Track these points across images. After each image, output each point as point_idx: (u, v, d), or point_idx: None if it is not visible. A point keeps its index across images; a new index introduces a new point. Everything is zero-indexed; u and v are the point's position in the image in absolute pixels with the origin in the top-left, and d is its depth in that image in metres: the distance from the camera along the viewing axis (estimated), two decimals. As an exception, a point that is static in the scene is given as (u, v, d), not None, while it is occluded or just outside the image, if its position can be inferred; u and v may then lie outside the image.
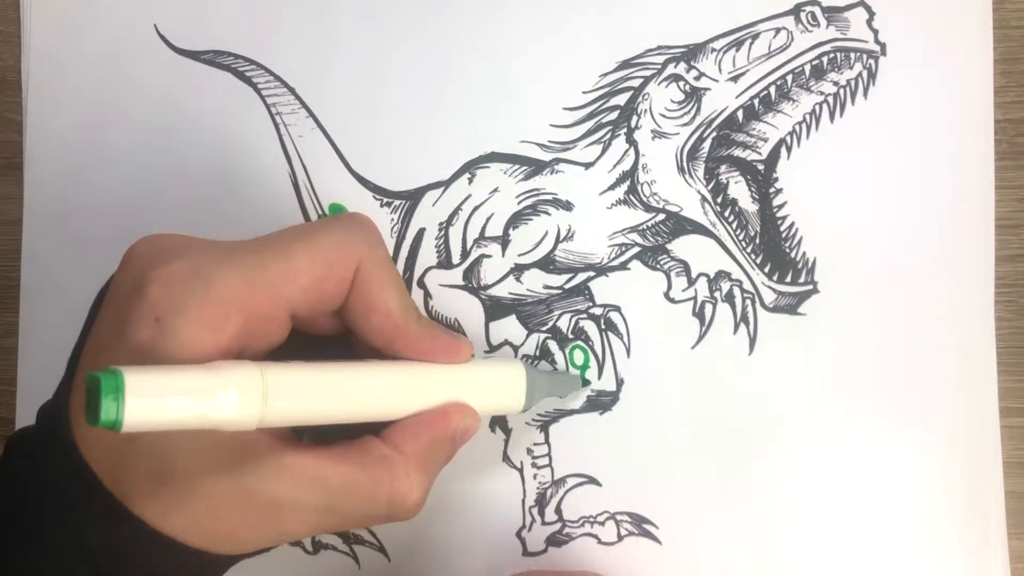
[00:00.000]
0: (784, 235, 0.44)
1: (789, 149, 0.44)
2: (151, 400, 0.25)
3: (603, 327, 0.44)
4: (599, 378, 0.44)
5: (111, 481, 0.30)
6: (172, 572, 0.31)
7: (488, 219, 0.45)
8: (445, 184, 0.45)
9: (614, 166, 0.45)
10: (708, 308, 0.44)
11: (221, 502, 0.30)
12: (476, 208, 0.45)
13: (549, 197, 0.45)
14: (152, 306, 0.29)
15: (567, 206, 0.45)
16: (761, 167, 0.44)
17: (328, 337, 0.34)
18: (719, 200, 0.44)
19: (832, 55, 0.44)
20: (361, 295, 0.32)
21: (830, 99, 0.44)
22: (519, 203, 0.45)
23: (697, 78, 0.45)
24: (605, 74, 0.45)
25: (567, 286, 0.44)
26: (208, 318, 0.29)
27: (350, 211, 0.34)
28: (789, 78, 0.44)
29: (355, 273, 0.32)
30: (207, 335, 0.29)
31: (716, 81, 0.44)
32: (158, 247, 0.31)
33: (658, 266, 0.44)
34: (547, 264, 0.44)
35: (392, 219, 0.45)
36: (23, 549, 0.30)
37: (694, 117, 0.44)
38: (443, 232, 0.45)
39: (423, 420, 0.33)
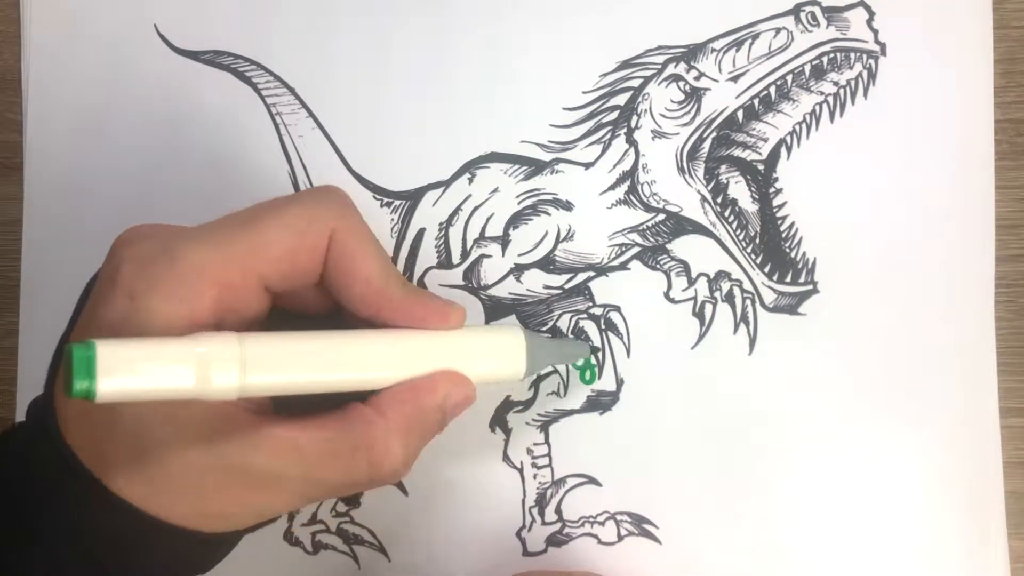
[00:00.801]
0: (784, 235, 0.44)
1: (789, 149, 0.44)
2: (125, 369, 0.25)
3: (603, 327, 0.44)
4: (599, 378, 0.44)
5: (96, 464, 0.30)
6: (168, 555, 0.31)
7: (488, 219, 0.45)
8: (445, 184, 0.45)
9: (614, 166, 0.45)
10: (708, 308, 0.44)
11: (201, 477, 0.30)
12: (476, 208, 0.45)
13: (549, 197, 0.45)
14: (125, 285, 0.29)
15: (567, 206, 0.45)
16: (761, 167, 0.44)
17: (320, 315, 0.34)
18: (719, 200, 0.44)
19: (832, 55, 0.44)
20: (339, 264, 0.32)
21: (830, 99, 0.44)
22: (519, 203, 0.45)
23: (697, 78, 0.45)
24: (605, 74, 0.45)
25: (567, 286, 0.44)
26: (180, 293, 0.29)
27: (325, 185, 0.33)
28: (789, 78, 0.44)
29: (329, 242, 0.32)
30: (180, 309, 0.29)
31: (716, 81, 0.44)
32: (137, 233, 0.31)
33: (658, 266, 0.44)
34: (547, 264, 0.44)
35: (392, 219, 0.45)
36: (18, 544, 0.30)
37: (694, 117, 0.44)
38: (443, 232, 0.45)
39: (410, 386, 0.32)
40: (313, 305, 0.34)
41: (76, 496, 0.30)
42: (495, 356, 0.36)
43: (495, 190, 0.45)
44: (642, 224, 0.44)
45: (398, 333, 0.33)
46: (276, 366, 0.29)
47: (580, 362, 0.44)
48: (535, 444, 0.44)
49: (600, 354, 0.44)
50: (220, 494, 0.30)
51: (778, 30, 0.44)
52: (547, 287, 0.44)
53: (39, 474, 0.30)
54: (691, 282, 0.44)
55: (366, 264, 0.32)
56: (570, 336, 0.44)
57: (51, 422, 0.30)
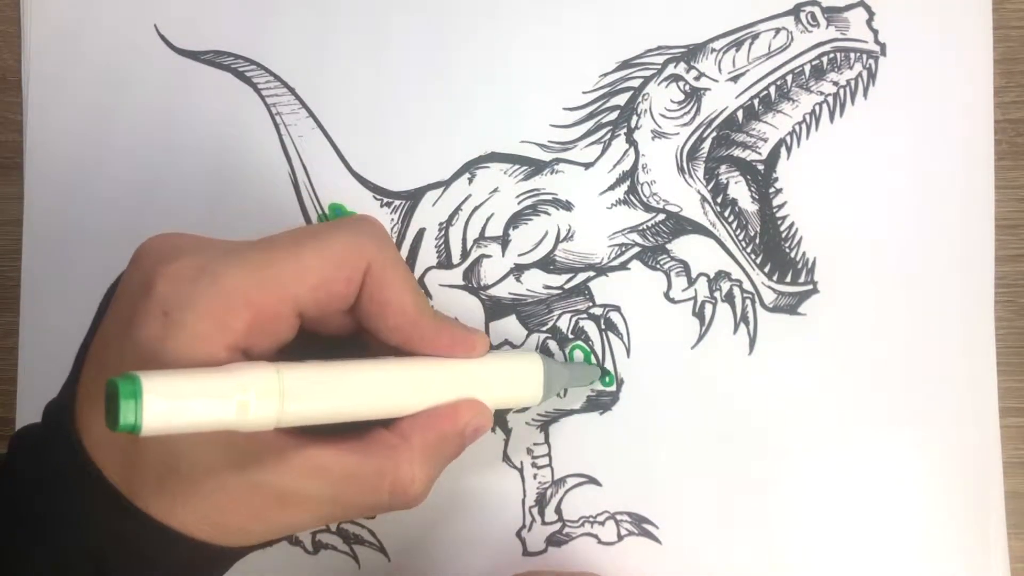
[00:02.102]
0: (784, 235, 0.44)
1: (789, 149, 0.44)
2: (169, 404, 0.25)
3: (603, 327, 0.44)
4: (599, 377, 0.44)
5: (118, 477, 0.30)
6: (179, 565, 0.31)
7: (488, 219, 0.45)
8: (445, 184, 0.45)
9: (614, 166, 0.45)
10: (708, 308, 0.44)
11: (227, 495, 0.30)
12: (476, 208, 0.45)
13: (549, 197, 0.45)
14: (160, 302, 0.29)
15: (567, 206, 0.45)
16: (761, 167, 0.44)
17: (341, 337, 0.34)
18: (719, 200, 0.44)
19: (832, 55, 0.44)
20: (375, 295, 0.32)
21: (830, 99, 0.44)
22: (519, 203, 0.45)
23: (697, 78, 0.45)
24: (605, 74, 0.45)
25: (567, 286, 0.44)
26: (216, 314, 0.29)
27: (359, 213, 0.34)
28: (789, 78, 0.44)
29: (366, 273, 0.32)
30: (215, 331, 0.29)
31: (716, 81, 0.44)
32: (168, 245, 0.31)
33: (658, 266, 0.44)
34: (547, 264, 0.44)
35: (392, 219, 0.45)
36: (28, 545, 0.30)
37: (694, 117, 0.44)
38: (443, 232, 0.45)
39: (433, 413, 0.33)
40: (336, 328, 0.34)
41: (95, 507, 0.30)
42: (515, 383, 0.37)
43: (495, 190, 0.45)
44: (642, 224, 0.44)
45: (426, 362, 0.34)
46: (312, 398, 0.30)
47: (580, 360, 0.44)
48: (535, 444, 0.44)
49: (600, 354, 0.44)
50: (243, 511, 0.30)
51: (778, 30, 0.44)
52: (547, 287, 0.44)
53: (58, 483, 0.30)
54: (691, 282, 0.44)
55: (403, 296, 0.33)
56: (563, 355, 0.44)
57: (73, 433, 0.30)
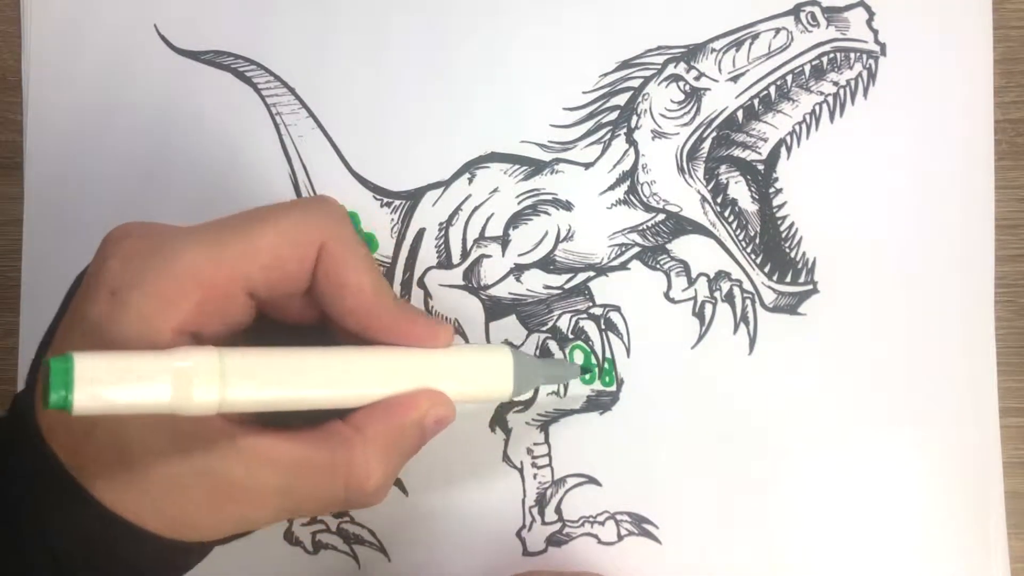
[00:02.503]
0: (784, 235, 0.44)
1: (789, 149, 0.44)
2: (101, 383, 0.25)
3: (603, 327, 0.44)
4: (599, 377, 0.44)
5: (74, 465, 0.29)
6: (135, 560, 0.31)
7: (488, 219, 0.45)
8: (445, 184, 0.45)
9: (614, 166, 0.45)
10: (708, 308, 0.44)
11: (176, 484, 0.29)
12: (476, 208, 0.45)
13: (549, 197, 0.45)
14: (109, 281, 0.29)
15: (567, 206, 0.45)
16: (761, 167, 0.44)
17: (304, 326, 0.34)
18: (719, 200, 0.44)
19: (832, 55, 0.44)
20: (331, 275, 0.31)
21: (830, 99, 0.44)
22: (519, 203, 0.45)
23: (697, 78, 0.45)
24: (605, 74, 0.45)
25: (567, 286, 0.44)
26: (164, 292, 0.29)
27: (320, 195, 0.33)
28: (789, 78, 0.44)
29: (320, 252, 0.31)
30: (163, 310, 0.29)
31: (716, 81, 0.44)
32: (126, 230, 0.31)
33: (658, 266, 0.44)
34: (547, 264, 0.44)
35: (392, 219, 0.45)
36: None
37: (694, 117, 0.44)
38: (443, 232, 0.45)
39: (389, 403, 0.32)
40: (299, 316, 0.33)
41: (52, 496, 0.30)
42: (482, 375, 0.35)
43: (495, 190, 0.45)
44: (642, 224, 0.44)
45: (381, 350, 0.32)
46: (256, 383, 0.29)
47: (580, 361, 0.44)
48: (535, 444, 0.44)
49: (600, 354, 0.44)
50: (193, 502, 0.30)
51: (778, 30, 0.44)
52: (547, 287, 0.44)
53: (16, 471, 0.30)
54: (691, 282, 0.44)
55: (357, 276, 0.32)
56: (563, 354, 0.44)
57: (31, 421, 0.30)
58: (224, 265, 0.30)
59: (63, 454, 0.30)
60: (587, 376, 0.44)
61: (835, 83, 0.44)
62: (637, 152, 0.45)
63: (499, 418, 0.44)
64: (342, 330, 0.33)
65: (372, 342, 0.33)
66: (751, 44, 0.44)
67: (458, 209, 0.45)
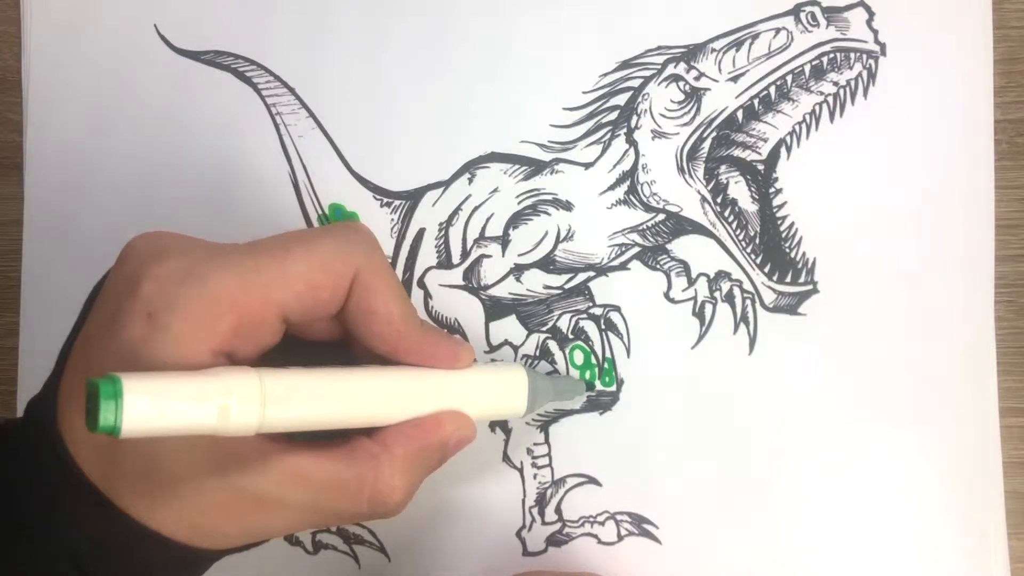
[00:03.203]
0: (784, 235, 0.44)
1: (789, 149, 0.44)
2: (150, 407, 0.25)
3: (603, 327, 0.44)
4: (599, 377, 0.44)
5: (97, 477, 0.30)
6: (155, 565, 0.31)
7: (488, 219, 0.45)
8: (445, 184, 0.45)
9: (614, 166, 0.45)
10: (708, 308, 0.44)
11: (207, 499, 0.30)
12: (476, 208, 0.45)
13: (549, 197, 0.45)
14: (145, 302, 0.29)
15: (567, 206, 0.45)
16: (761, 167, 0.44)
17: (324, 342, 0.34)
18: (719, 200, 0.44)
19: (832, 55, 0.44)
20: (362, 302, 0.32)
21: (830, 99, 0.44)
22: (519, 203, 0.45)
23: (697, 78, 0.45)
24: (605, 74, 0.45)
25: (567, 286, 0.44)
26: (200, 317, 0.29)
27: (348, 221, 0.34)
28: (789, 78, 0.44)
29: (353, 280, 0.32)
30: (199, 334, 0.29)
31: (716, 81, 0.44)
32: (155, 244, 0.31)
33: (658, 266, 0.44)
34: (547, 264, 0.44)
35: (392, 219, 0.45)
36: (6, 542, 0.30)
37: (694, 117, 0.44)
38: (443, 232, 0.45)
39: (416, 424, 0.33)
40: (320, 333, 0.34)
41: (74, 505, 0.30)
42: (499, 396, 0.37)
43: (495, 190, 0.45)
44: (642, 224, 0.44)
45: (408, 372, 0.34)
46: (294, 404, 0.29)
47: (580, 361, 0.44)
48: (535, 444, 0.44)
49: (600, 354, 0.44)
50: (222, 515, 0.30)
51: (778, 30, 0.44)
52: (547, 287, 0.44)
53: (38, 478, 0.30)
54: (691, 282, 0.44)
55: (390, 304, 0.32)
56: (563, 354, 0.44)
57: (54, 431, 0.30)
58: (259, 291, 0.30)
59: (87, 466, 0.30)
60: (587, 376, 0.44)
61: (835, 83, 0.44)
62: (637, 152, 0.45)
63: (497, 420, 0.44)
64: (365, 350, 0.34)
65: (395, 362, 0.34)
66: (751, 44, 0.44)
67: (458, 209, 0.45)
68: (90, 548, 0.30)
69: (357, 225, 0.33)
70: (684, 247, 0.44)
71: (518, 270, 0.44)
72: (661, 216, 0.44)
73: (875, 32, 0.44)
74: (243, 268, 0.30)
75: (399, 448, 0.32)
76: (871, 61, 0.44)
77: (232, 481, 0.30)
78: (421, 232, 0.45)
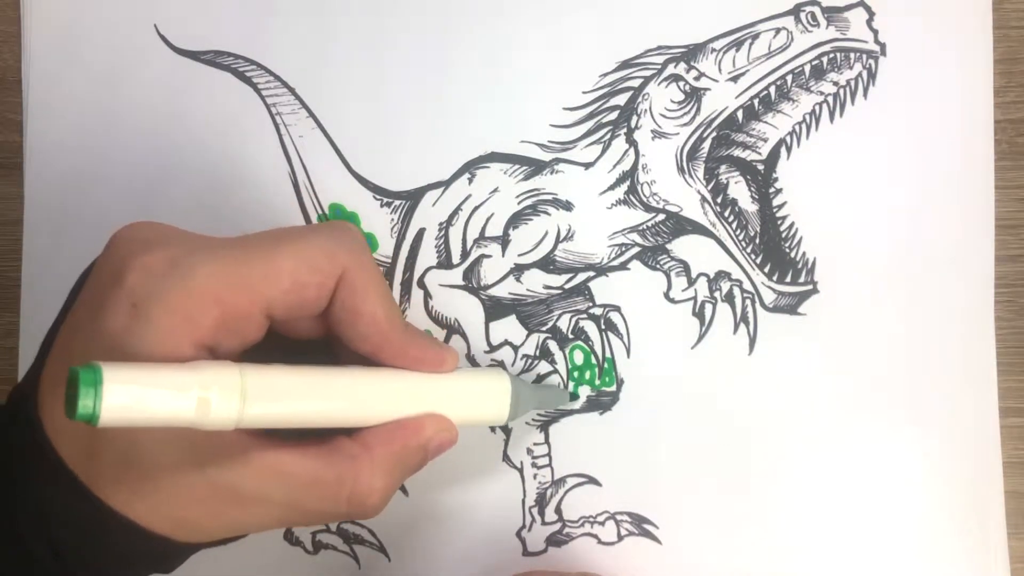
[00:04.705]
0: (784, 235, 0.44)
1: (789, 149, 0.44)
2: (129, 397, 0.25)
3: (603, 327, 0.44)
4: (599, 377, 0.44)
5: (77, 465, 0.30)
6: (134, 555, 0.31)
7: (488, 219, 0.45)
8: (445, 184, 0.45)
9: (614, 166, 0.45)
10: (708, 308, 0.44)
11: (185, 492, 0.30)
12: (476, 208, 0.45)
13: (549, 197, 0.45)
14: (129, 293, 0.29)
15: (567, 206, 0.45)
16: (761, 167, 0.44)
17: (309, 340, 0.34)
18: (719, 200, 0.44)
19: (832, 55, 0.44)
20: (347, 302, 0.32)
21: (830, 99, 0.44)
22: (519, 203, 0.45)
23: (697, 78, 0.45)
24: (605, 74, 0.45)
25: (567, 286, 0.44)
26: (184, 309, 0.29)
27: (339, 220, 0.34)
28: (789, 78, 0.44)
29: (340, 280, 0.32)
30: (182, 326, 0.29)
31: (716, 81, 0.44)
32: (142, 235, 0.31)
33: (658, 266, 0.44)
34: (547, 264, 0.44)
35: (392, 219, 0.45)
36: None
37: (694, 117, 0.44)
38: (443, 232, 0.45)
39: (397, 426, 0.33)
40: (305, 331, 0.34)
41: (56, 492, 0.30)
42: (481, 401, 0.37)
43: (495, 190, 0.45)
44: (642, 224, 0.44)
45: (391, 373, 0.34)
46: (275, 400, 0.30)
47: (580, 361, 0.44)
48: (535, 444, 0.44)
49: (600, 354, 0.44)
50: (201, 508, 0.30)
51: (778, 30, 0.44)
52: (547, 287, 0.44)
53: (18, 465, 0.30)
54: (691, 282, 0.44)
55: (375, 305, 0.32)
56: (563, 354, 0.44)
57: (34, 418, 0.30)
58: (244, 287, 0.30)
59: (67, 454, 0.30)
60: (587, 376, 0.44)
61: (835, 83, 0.44)
62: (637, 152, 0.45)
63: (499, 418, 0.44)
64: (349, 350, 0.33)
65: (378, 363, 0.33)
66: (751, 44, 0.44)
67: (458, 209, 0.45)
68: (69, 536, 0.30)
69: (346, 224, 0.33)
70: (684, 247, 0.44)
71: (518, 270, 0.44)
72: (661, 216, 0.44)
73: (875, 32, 0.44)
74: (230, 262, 0.30)
75: (379, 449, 0.32)
76: (871, 61, 0.44)
77: (211, 475, 0.30)
78: (421, 232, 0.45)
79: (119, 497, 0.30)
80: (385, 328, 0.33)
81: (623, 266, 0.44)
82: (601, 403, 0.44)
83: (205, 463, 0.30)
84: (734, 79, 0.44)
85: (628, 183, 0.45)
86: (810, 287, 0.44)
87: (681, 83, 0.45)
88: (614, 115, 0.45)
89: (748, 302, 0.44)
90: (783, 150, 0.44)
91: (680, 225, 0.44)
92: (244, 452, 0.30)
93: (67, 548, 0.30)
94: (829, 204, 0.44)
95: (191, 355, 0.29)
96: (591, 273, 0.44)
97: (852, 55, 0.44)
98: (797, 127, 0.44)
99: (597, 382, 0.44)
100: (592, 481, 0.44)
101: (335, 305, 0.32)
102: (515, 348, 0.44)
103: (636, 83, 0.45)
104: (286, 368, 0.30)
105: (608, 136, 0.45)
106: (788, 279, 0.44)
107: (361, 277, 0.32)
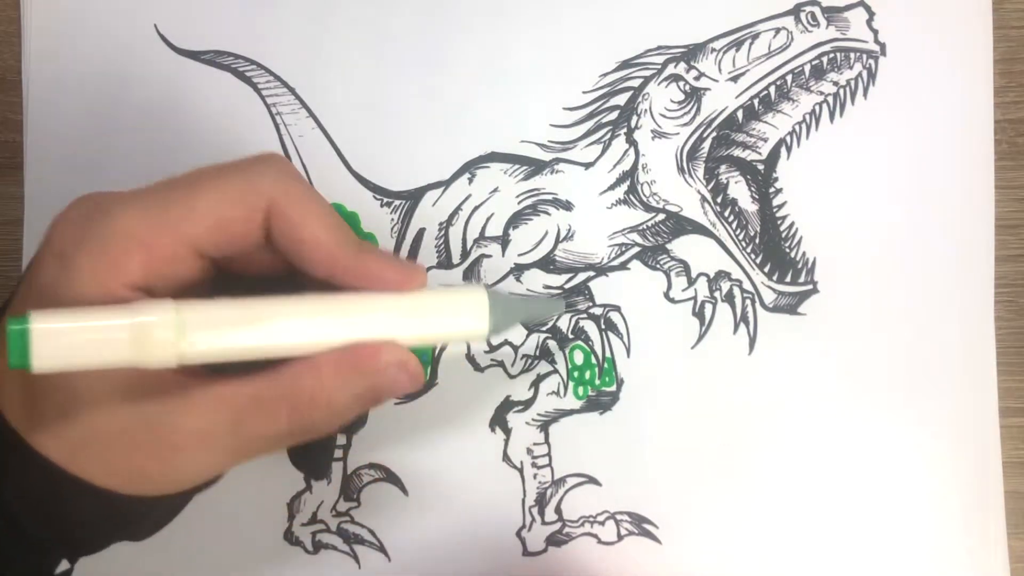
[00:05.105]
0: (784, 235, 0.44)
1: (789, 149, 0.44)
2: (60, 340, 0.26)
3: (603, 327, 0.44)
4: (599, 377, 0.44)
5: (20, 421, 0.30)
6: (85, 516, 0.31)
7: (488, 219, 0.45)
8: (445, 184, 0.45)
9: (614, 166, 0.45)
10: (708, 308, 0.44)
11: (125, 437, 0.29)
12: (476, 208, 0.45)
13: (549, 197, 0.45)
14: (56, 246, 0.29)
15: (567, 206, 0.45)
16: (761, 167, 0.44)
17: (276, 278, 0.33)
18: (719, 200, 0.44)
19: (832, 55, 0.44)
20: (285, 232, 0.31)
21: (830, 99, 0.44)
22: (519, 203, 0.45)
23: (697, 78, 0.45)
24: (605, 74, 0.45)
25: (567, 286, 0.44)
26: (108, 252, 0.29)
27: (266, 153, 0.32)
28: (789, 78, 0.44)
29: (271, 210, 0.31)
30: (108, 270, 0.29)
31: (716, 81, 0.44)
32: (78, 200, 0.31)
33: (658, 266, 0.44)
34: (547, 264, 0.44)
35: (392, 219, 0.45)
36: None
37: (694, 117, 0.44)
38: (443, 232, 0.45)
39: (351, 346, 0.31)
40: (264, 268, 0.33)
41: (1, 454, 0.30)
42: (456, 315, 0.33)
43: (495, 190, 0.45)
44: (642, 224, 0.44)
45: (345, 296, 0.31)
46: (214, 333, 0.29)
47: (580, 361, 0.44)
48: (535, 444, 0.44)
49: (600, 354, 0.44)
50: (140, 453, 0.30)
51: (778, 30, 0.44)
52: (547, 287, 0.44)
53: None
54: (691, 282, 0.44)
55: (314, 231, 0.31)
56: (563, 355, 0.44)
57: None
58: (166, 228, 0.30)
59: (9, 407, 0.30)
60: (587, 376, 0.44)
61: (835, 83, 0.44)
62: (637, 152, 0.45)
63: (499, 418, 0.44)
64: (311, 280, 0.32)
65: (343, 289, 0.32)
66: (751, 44, 0.44)
67: (458, 209, 0.45)
68: (18, 498, 0.30)
69: (270, 155, 0.32)
70: (684, 247, 0.44)
71: (518, 270, 0.44)
72: (661, 216, 0.44)
73: (875, 32, 0.44)
74: (150, 204, 0.30)
75: (327, 368, 0.30)
76: (871, 61, 0.44)
77: (149, 415, 0.29)
78: (421, 232, 0.45)
79: (61, 450, 0.29)
80: (333, 251, 0.31)
81: (623, 266, 0.44)
82: (601, 403, 0.44)
83: (139, 403, 0.29)
84: (734, 79, 0.44)
85: (628, 183, 0.45)
86: (810, 287, 0.44)
87: (681, 83, 0.45)
88: (614, 115, 0.45)
89: (748, 302, 0.44)
90: (783, 150, 0.44)
91: (680, 225, 0.44)
92: (183, 389, 0.29)
93: (19, 513, 0.30)
94: (829, 204, 0.44)
95: (126, 296, 0.29)
96: (591, 273, 0.44)
97: (852, 55, 0.44)
98: (797, 127, 0.44)
99: (597, 382, 0.44)
100: (592, 481, 0.44)
101: (276, 237, 0.31)
102: (515, 348, 0.44)
103: (636, 83, 0.45)
104: (227, 300, 0.29)
105: (608, 136, 0.45)
106: (788, 279, 0.44)
107: (293, 205, 0.31)
